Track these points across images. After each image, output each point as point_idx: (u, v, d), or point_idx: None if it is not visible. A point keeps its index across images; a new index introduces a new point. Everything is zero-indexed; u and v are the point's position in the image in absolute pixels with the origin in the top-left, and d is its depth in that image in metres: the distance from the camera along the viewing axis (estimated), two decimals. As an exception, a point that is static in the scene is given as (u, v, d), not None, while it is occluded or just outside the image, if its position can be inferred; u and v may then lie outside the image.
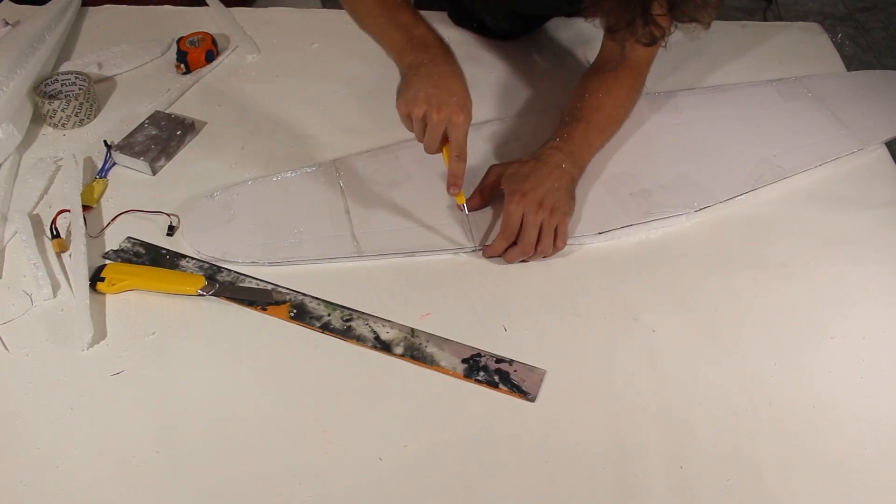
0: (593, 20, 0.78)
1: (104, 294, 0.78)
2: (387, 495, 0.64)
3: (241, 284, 0.79)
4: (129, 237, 0.85)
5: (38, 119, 1.00)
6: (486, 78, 1.07)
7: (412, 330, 0.75)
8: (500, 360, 0.73)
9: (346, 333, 0.75)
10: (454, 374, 0.72)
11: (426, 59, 0.80)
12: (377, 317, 0.77)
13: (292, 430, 0.68)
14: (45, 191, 0.90)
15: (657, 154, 0.94)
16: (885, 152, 0.96)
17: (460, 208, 0.84)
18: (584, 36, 1.14)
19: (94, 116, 1.02)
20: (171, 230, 0.85)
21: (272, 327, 0.76)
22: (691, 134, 0.97)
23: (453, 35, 1.14)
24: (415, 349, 0.74)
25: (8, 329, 0.75)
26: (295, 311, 0.77)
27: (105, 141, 0.95)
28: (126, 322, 0.76)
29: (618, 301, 0.78)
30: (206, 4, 1.23)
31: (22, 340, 0.74)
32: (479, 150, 0.94)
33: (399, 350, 0.74)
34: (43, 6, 1.15)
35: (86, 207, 0.87)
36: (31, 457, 0.66)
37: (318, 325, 0.76)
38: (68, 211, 0.86)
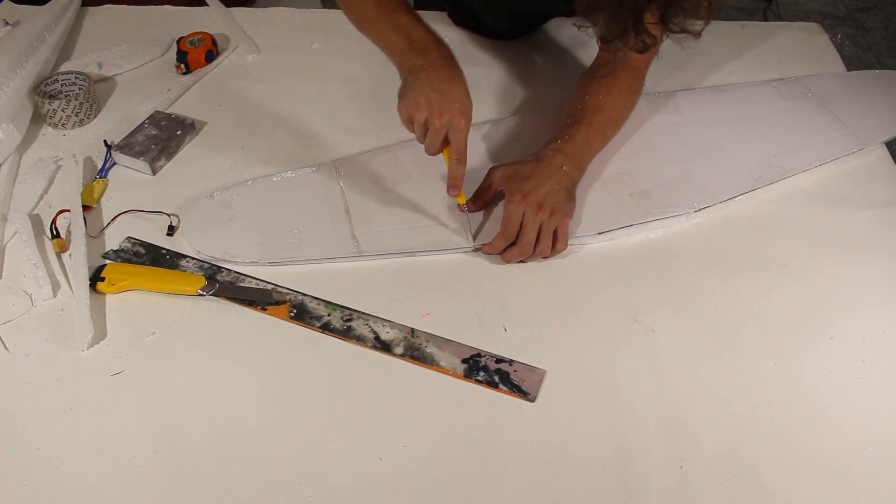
0: (585, 30, 0.78)
1: (104, 294, 0.78)
2: (387, 495, 0.64)
3: (241, 284, 0.79)
4: (129, 237, 0.85)
5: (38, 119, 1.00)
6: (486, 78, 1.07)
7: (412, 330, 0.75)
8: (500, 360, 0.73)
9: (346, 333, 0.75)
10: (454, 374, 0.72)
11: (426, 63, 0.80)
12: (377, 317, 0.77)
13: (292, 429, 0.68)
14: (45, 191, 0.90)
15: (657, 154, 0.94)
16: (885, 152, 0.96)
17: (461, 209, 0.84)
18: (584, 36, 1.14)
19: (94, 116, 1.02)
20: (171, 230, 0.85)
21: (272, 327, 0.76)
22: (691, 134, 0.97)
23: (453, 35, 1.14)
24: (415, 349, 0.74)
25: (8, 329, 0.75)
26: (295, 311, 0.77)
27: (105, 141, 0.95)
28: (126, 322, 0.76)
29: (618, 301, 0.78)
30: (206, 4, 1.23)
31: (22, 340, 0.74)
32: (479, 151, 0.94)
33: (399, 350, 0.74)
34: (43, 6, 1.15)
35: (86, 207, 0.87)
36: (31, 457, 0.66)
37: (318, 325, 0.76)
38: (68, 211, 0.86)
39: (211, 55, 1.10)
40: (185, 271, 0.81)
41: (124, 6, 1.23)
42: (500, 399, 0.70)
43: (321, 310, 0.77)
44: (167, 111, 1.01)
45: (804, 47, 1.15)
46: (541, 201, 0.80)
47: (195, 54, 1.08)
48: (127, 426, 0.68)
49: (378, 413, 0.69)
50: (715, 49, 1.13)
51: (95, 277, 0.78)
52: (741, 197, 0.89)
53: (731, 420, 0.68)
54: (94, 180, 0.91)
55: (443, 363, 0.73)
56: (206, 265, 0.81)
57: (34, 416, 0.69)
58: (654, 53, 0.74)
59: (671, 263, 0.82)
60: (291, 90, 1.06)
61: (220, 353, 0.74)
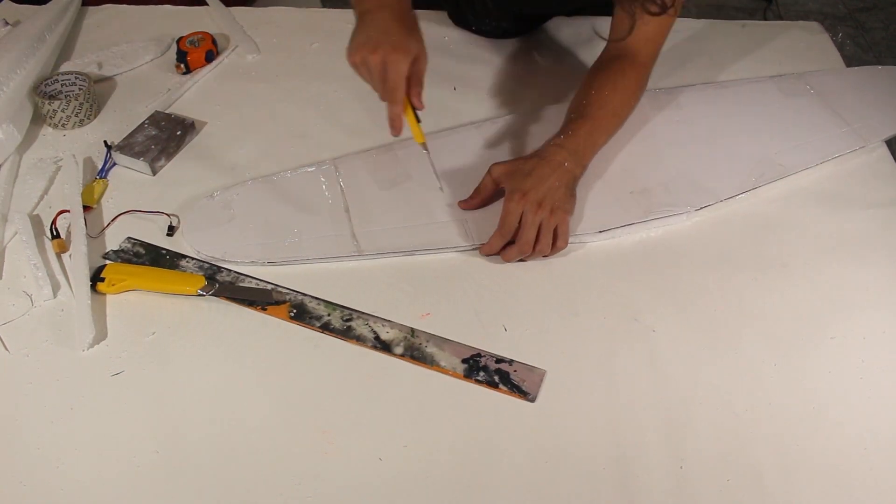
0: None
1: (104, 294, 0.78)
2: (387, 495, 0.64)
3: (241, 284, 0.79)
4: (129, 237, 0.85)
5: (38, 119, 1.00)
6: (486, 78, 1.07)
7: (412, 330, 0.75)
8: (500, 360, 0.73)
9: (346, 333, 0.75)
10: (454, 374, 0.72)
11: (374, 5, 0.79)
12: (377, 317, 0.77)
13: (292, 429, 0.68)
14: (45, 191, 0.90)
15: (658, 152, 0.94)
16: (885, 152, 0.96)
17: (424, 148, 0.83)
18: (584, 36, 1.14)
19: (94, 116, 1.02)
20: (171, 230, 0.85)
21: (272, 327, 0.76)
22: (692, 131, 0.97)
23: (453, 35, 1.14)
24: (415, 349, 0.74)
25: (8, 329, 0.75)
26: (295, 311, 0.77)
27: (105, 141, 0.95)
28: (126, 322, 0.76)
29: (618, 301, 0.78)
30: (206, 4, 1.23)
31: (22, 341, 0.74)
32: (479, 150, 0.94)
33: (399, 350, 0.74)
34: (43, 6, 1.15)
35: (86, 208, 0.87)
36: (31, 457, 0.66)
37: (318, 325, 0.76)
38: (68, 211, 0.86)
39: (211, 55, 1.10)
40: (184, 271, 0.81)
41: (124, 6, 1.23)
42: (500, 399, 0.70)
43: (321, 310, 0.77)
44: (167, 111, 1.01)
45: (804, 46, 1.15)
46: (541, 199, 0.80)
47: (195, 54, 1.08)
48: (127, 426, 0.68)
49: (378, 413, 0.69)
50: (715, 48, 1.13)
51: (95, 278, 0.78)
52: (742, 196, 0.89)
53: (731, 420, 0.68)
54: (94, 181, 0.91)
55: (443, 363, 0.73)
56: (206, 265, 0.81)
57: (34, 416, 0.69)
58: (669, 24, 0.72)
59: (671, 263, 0.82)
60: (291, 90, 1.06)
61: (219, 353, 0.74)
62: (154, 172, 0.93)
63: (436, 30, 0.87)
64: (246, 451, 0.66)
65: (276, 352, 0.74)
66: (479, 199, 0.86)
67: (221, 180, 0.91)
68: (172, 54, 1.11)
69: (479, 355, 0.73)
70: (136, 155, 0.92)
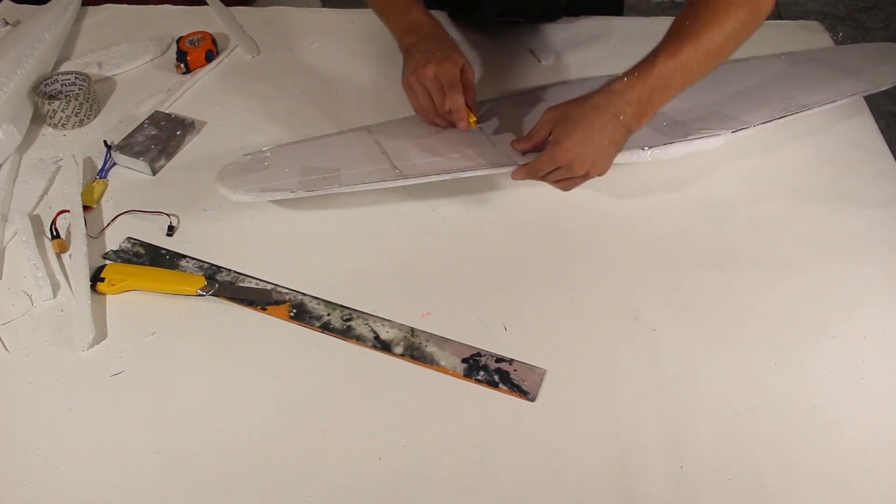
0: None
1: (104, 294, 0.78)
2: (387, 495, 0.64)
3: (241, 284, 0.79)
4: (129, 237, 0.85)
5: (38, 119, 1.00)
6: (485, 77, 1.07)
7: (412, 329, 0.75)
8: (500, 359, 0.73)
9: (346, 333, 0.75)
10: (454, 374, 0.72)
11: (418, 39, 0.88)
12: (377, 316, 0.77)
13: (292, 429, 0.68)
14: (45, 191, 0.90)
15: (684, 95, 0.93)
16: (885, 151, 0.96)
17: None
18: (585, 36, 1.14)
19: (94, 116, 1.02)
20: (171, 230, 0.85)
21: (272, 327, 0.76)
22: (712, 84, 0.95)
23: (454, 35, 1.14)
24: (415, 349, 0.74)
25: (8, 329, 0.75)
26: (295, 310, 0.77)
27: (105, 141, 0.95)
28: (126, 322, 0.76)
29: (618, 300, 0.78)
30: (206, 4, 1.23)
31: (22, 341, 0.74)
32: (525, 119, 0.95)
33: (399, 350, 0.74)
34: (43, 6, 1.15)
35: (86, 208, 0.87)
36: (31, 457, 0.66)
37: (318, 324, 0.76)
38: (68, 211, 0.86)
39: (211, 55, 1.10)
40: (184, 271, 0.81)
41: (124, 6, 1.23)
42: (500, 398, 0.70)
43: (321, 309, 0.77)
44: (167, 111, 1.01)
45: (805, 46, 1.14)
46: (580, 159, 0.75)
47: (195, 54, 1.08)
48: (127, 426, 0.68)
49: (378, 413, 0.69)
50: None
51: (95, 278, 0.78)
52: (742, 194, 0.89)
53: (731, 420, 0.68)
54: (94, 180, 0.91)
55: (443, 362, 0.73)
56: (206, 265, 0.81)
57: (34, 416, 0.69)
58: None
59: (672, 262, 0.82)
60: (291, 90, 1.06)
61: (219, 353, 0.74)
62: (154, 172, 0.93)
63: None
64: (246, 451, 0.66)
65: (275, 352, 0.74)
66: (531, 143, 0.83)
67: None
68: (172, 54, 1.11)
69: (479, 355, 0.73)
70: (136, 155, 0.92)
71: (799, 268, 0.82)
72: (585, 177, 0.79)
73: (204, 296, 0.78)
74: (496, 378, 0.71)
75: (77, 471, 0.65)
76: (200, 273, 0.80)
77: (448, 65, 0.83)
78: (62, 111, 0.98)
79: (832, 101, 0.95)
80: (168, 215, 0.87)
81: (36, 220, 0.86)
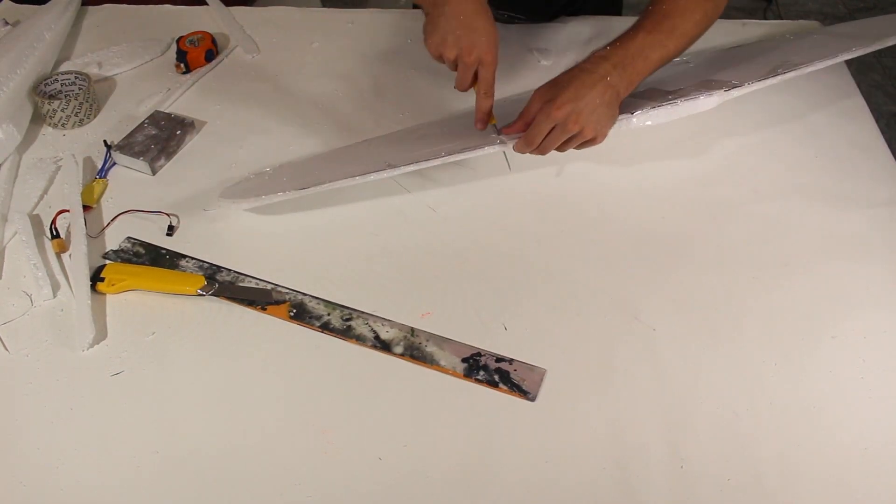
0: None
1: (104, 294, 0.78)
2: (387, 495, 0.64)
3: (241, 284, 0.79)
4: (129, 237, 0.85)
5: (38, 119, 1.00)
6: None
7: (412, 329, 0.75)
8: (500, 359, 0.73)
9: (346, 333, 0.75)
10: (454, 374, 0.72)
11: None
12: (377, 316, 0.77)
13: (292, 429, 0.68)
14: (45, 191, 0.90)
15: (678, 69, 0.92)
16: (885, 151, 0.96)
17: (497, 132, 0.85)
18: (584, 36, 1.14)
19: (94, 116, 1.02)
20: (171, 230, 0.85)
21: (272, 327, 0.76)
22: (709, 61, 0.98)
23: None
24: (415, 348, 0.74)
25: (8, 329, 0.75)
26: (295, 310, 0.77)
27: (105, 141, 0.95)
28: (126, 322, 0.76)
29: (618, 300, 0.78)
30: (206, 4, 1.23)
31: (22, 341, 0.74)
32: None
33: (399, 349, 0.74)
34: (43, 6, 1.15)
35: (86, 207, 0.87)
36: (31, 457, 0.66)
37: (318, 324, 0.76)
38: (68, 211, 0.86)
39: (211, 54, 1.10)
40: (184, 271, 0.81)
41: (124, 6, 1.23)
42: (500, 398, 0.70)
43: (321, 309, 0.77)
44: (167, 111, 1.01)
45: (804, 46, 1.14)
46: (574, 115, 0.76)
47: (195, 54, 1.08)
48: (127, 426, 0.68)
49: (378, 413, 0.69)
50: (715, 47, 1.12)
51: (95, 277, 0.78)
52: (742, 193, 0.89)
53: (732, 420, 0.68)
54: (93, 180, 0.91)
55: (443, 362, 0.73)
56: (206, 265, 0.81)
57: (34, 416, 0.69)
58: None
59: (671, 262, 0.82)
60: (291, 89, 1.06)
61: (219, 353, 0.74)
62: (154, 172, 0.93)
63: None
64: (245, 451, 0.66)
65: (276, 352, 0.74)
66: (521, 124, 0.82)
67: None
68: (172, 54, 1.11)
69: (479, 354, 0.73)
70: (136, 154, 0.92)
71: (799, 268, 0.82)
72: (581, 136, 0.78)
73: (204, 296, 0.78)
74: (496, 378, 0.71)
75: (77, 471, 0.65)
76: (200, 273, 0.80)
77: (489, 58, 0.78)
78: (62, 111, 0.98)
79: (832, 58, 0.91)
80: (168, 215, 0.87)
81: (36, 220, 0.86)
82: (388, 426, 0.68)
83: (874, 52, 0.94)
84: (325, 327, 0.76)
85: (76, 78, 1.02)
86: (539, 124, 0.78)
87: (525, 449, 0.67)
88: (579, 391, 0.71)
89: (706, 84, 0.87)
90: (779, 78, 0.88)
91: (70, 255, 0.82)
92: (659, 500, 0.63)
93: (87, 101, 0.99)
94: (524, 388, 0.71)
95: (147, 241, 0.84)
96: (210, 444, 0.67)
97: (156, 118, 0.98)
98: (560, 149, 0.81)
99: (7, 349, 0.74)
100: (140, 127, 0.97)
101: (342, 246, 0.85)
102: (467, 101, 0.93)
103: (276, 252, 0.83)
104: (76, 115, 0.99)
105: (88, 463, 0.65)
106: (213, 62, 1.10)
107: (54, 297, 0.78)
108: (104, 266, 0.80)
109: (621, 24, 1.17)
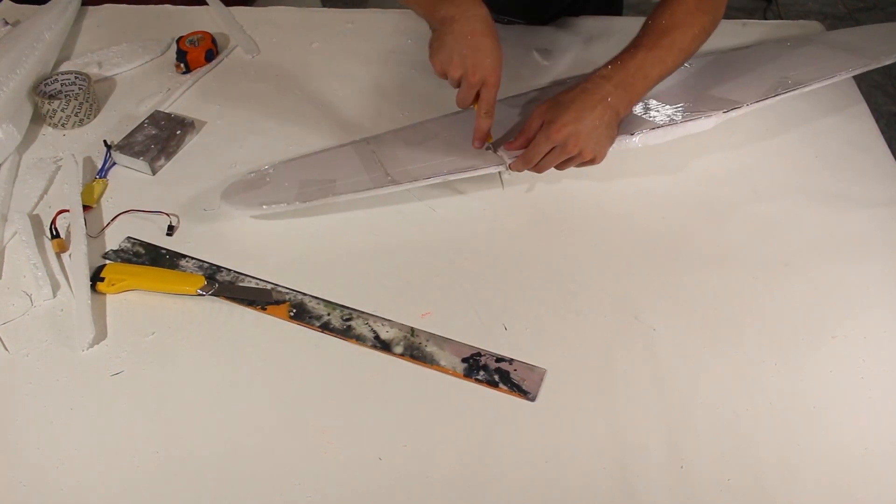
0: None
1: (104, 294, 0.78)
2: (387, 495, 0.64)
3: (241, 284, 0.79)
4: (129, 237, 0.85)
5: (37, 119, 1.00)
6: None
7: (412, 329, 0.75)
8: (500, 359, 0.73)
9: (346, 333, 0.75)
10: (454, 374, 0.72)
11: (458, 13, 0.78)
12: (377, 316, 0.77)
13: (292, 429, 0.68)
14: (45, 191, 0.90)
15: (673, 86, 0.93)
16: (885, 151, 0.96)
17: (489, 149, 0.86)
18: (585, 36, 1.14)
19: (94, 116, 1.02)
20: (171, 230, 0.85)
21: (272, 327, 0.76)
22: (703, 75, 0.98)
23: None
24: (415, 348, 0.74)
25: (8, 329, 0.75)
26: (294, 310, 0.77)
27: (105, 141, 0.95)
28: (126, 322, 0.76)
29: (618, 299, 0.78)
30: (206, 4, 1.23)
31: (22, 341, 0.74)
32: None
33: (399, 349, 0.74)
34: (43, 6, 1.15)
35: (86, 207, 0.87)
36: (31, 457, 0.66)
37: (318, 324, 0.76)
38: (68, 211, 0.86)
39: (211, 54, 1.10)
40: (184, 271, 0.81)
41: (124, 6, 1.23)
42: (500, 398, 0.70)
43: (321, 309, 0.77)
44: (167, 111, 1.01)
45: (804, 46, 1.14)
46: (574, 137, 0.77)
47: (195, 54, 1.08)
48: (127, 426, 0.68)
49: (378, 413, 0.69)
50: (715, 48, 1.12)
51: (95, 277, 0.78)
52: (742, 193, 0.89)
53: (732, 420, 0.68)
54: (93, 180, 0.91)
55: (443, 362, 0.73)
56: (206, 265, 0.81)
57: (34, 416, 0.69)
58: None
59: (671, 262, 0.82)
60: (291, 89, 1.06)
61: (219, 353, 0.74)
62: (154, 172, 0.93)
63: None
64: (245, 451, 0.66)
65: (275, 351, 0.74)
66: (523, 140, 0.83)
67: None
68: (172, 54, 1.11)
69: (479, 354, 0.73)
70: (136, 154, 0.92)
71: (799, 268, 0.82)
72: (580, 157, 0.80)
73: (204, 296, 0.78)
74: (496, 378, 0.71)
75: (77, 471, 0.65)
76: (200, 273, 0.80)
77: (493, 80, 0.79)
78: (62, 111, 0.98)
79: (830, 78, 0.93)
80: (168, 215, 0.87)
81: (36, 220, 0.86)
82: (388, 426, 0.68)
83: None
84: (325, 327, 0.76)
85: (76, 78, 1.02)
86: (538, 145, 0.79)
87: (525, 449, 0.67)
88: (579, 391, 0.71)
89: (704, 102, 0.88)
90: (777, 98, 0.90)
91: (70, 255, 0.82)
92: (659, 500, 0.63)
93: (87, 101, 0.99)
94: (524, 388, 0.71)
95: (147, 240, 0.84)
96: (210, 444, 0.67)
97: (156, 118, 0.98)
98: (559, 168, 0.82)
99: (7, 349, 0.74)
100: (140, 127, 0.97)
101: (342, 246, 0.85)
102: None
103: (276, 252, 0.84)
104: (76, 115, 0.99)
105: (88, 463, 0.65)
106: (213, 62, 1.10)
107: (54, 297, 0.78)
108: (104, 266, 0.80)
109: (621, 24, 1.17)
